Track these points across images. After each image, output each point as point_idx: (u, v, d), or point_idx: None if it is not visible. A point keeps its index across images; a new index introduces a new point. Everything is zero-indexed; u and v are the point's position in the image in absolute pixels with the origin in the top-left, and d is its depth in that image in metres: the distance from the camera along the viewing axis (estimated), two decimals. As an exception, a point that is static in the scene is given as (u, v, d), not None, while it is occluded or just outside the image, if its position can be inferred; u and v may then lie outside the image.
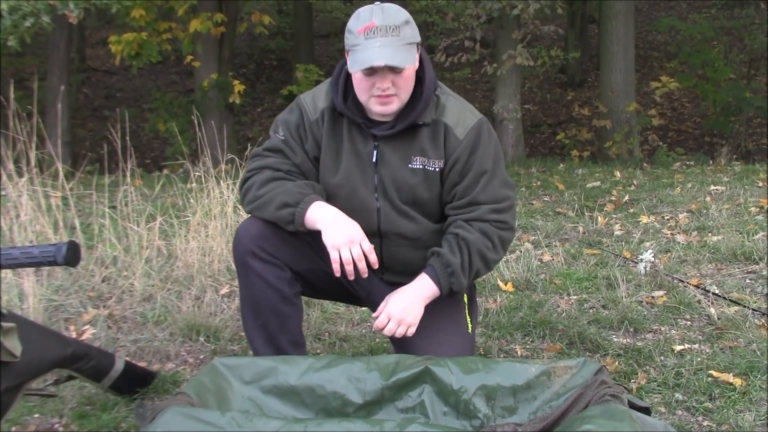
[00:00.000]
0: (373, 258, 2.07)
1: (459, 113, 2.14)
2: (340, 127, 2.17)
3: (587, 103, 12.62)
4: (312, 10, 14.71)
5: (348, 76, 2.11)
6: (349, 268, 2.04)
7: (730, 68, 11.87)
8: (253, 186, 2.16)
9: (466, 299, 2.31)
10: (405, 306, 2.08)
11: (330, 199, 2.15)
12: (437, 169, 2.13)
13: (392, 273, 2.24)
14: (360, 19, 2.02)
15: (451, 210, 2.16)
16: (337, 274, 2.06)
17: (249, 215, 2.21)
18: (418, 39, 2.07)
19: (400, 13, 2.02)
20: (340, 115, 2.16)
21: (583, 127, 11.24)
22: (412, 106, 2.10)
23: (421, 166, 2.13)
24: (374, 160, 2.14)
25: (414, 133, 2.12)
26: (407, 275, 2.16)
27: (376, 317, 2.11)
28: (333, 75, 2.17)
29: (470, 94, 14.85)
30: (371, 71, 2.00)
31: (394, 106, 2.07)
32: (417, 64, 2.09)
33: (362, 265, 2.06)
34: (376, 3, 2.04)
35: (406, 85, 2.06)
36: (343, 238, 2.03)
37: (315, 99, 2.19)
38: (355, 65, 2.01)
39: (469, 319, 2.28)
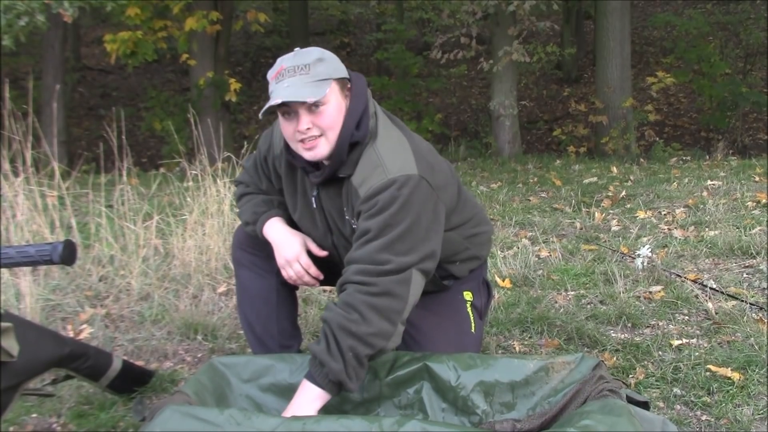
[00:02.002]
0: (314, 271, 2.17)
1: (369, 172, 1.94)
2: (291, 165, 2.14)
3: (583, 99, 12.61)
4: (307, 7, 14.70)
5: None
6: (299, 283, 2.20)
7: (726, 63, 11.90)
8: (234, 199, 2.36)
9: (470, 296, 2.29)
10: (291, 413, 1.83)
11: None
12: (356, 226, 2.00)
13: None
14: (274, 66, 1.95)
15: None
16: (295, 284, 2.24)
17: None
18: (339, 75, 1.93)
19: (312, 53, 1.93)
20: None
21: (580, 123, 11.24)
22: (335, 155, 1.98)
23: (349, 218, 2.05)
24: (314, 206, 2.13)
25: (341, 184, 2.02)
26: None
27: None
28: None
29: (466, 91, 14.87)
30: (284, 114, 1.93)
31: (322, 149, 1.94)
32: (341, 99, 1.95)
33: (307, 280, 2.18)
34: (297, 48, 1.98)
35: (329, 122, 1.92)
36: (282, 260, 2.16)
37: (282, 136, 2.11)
38: (262, 110, 1.92)
39: (472, 318, 2.27)
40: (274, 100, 1.86)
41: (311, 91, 1.87)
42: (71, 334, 3.00)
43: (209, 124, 5.62)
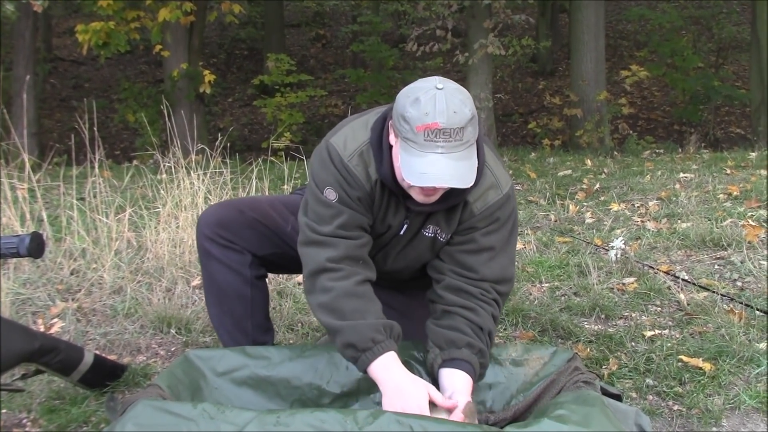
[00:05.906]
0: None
1: (484, 190, 1.95)
2: (383, 195, 1.99)
3: (558, 92, 12.70)
4: (283, -1, 14.61)
5: (389, 146, 1.89)
6: None
7: (699, 57, 12.03)
8: (333, 292, 1.90)
9: None
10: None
11: None
12: (444, 239, 2.01)
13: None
14: (420, 110, 1.72)
15: (451, 273, 1.98)
16: None
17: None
18: (478, 128, 1.82)
19: (465, 108, 1.74)
20: (382, 185, 1.96)
21: (555, 116, 11.32)
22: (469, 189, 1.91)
23: (432, 234, 2.01)
24: (402, 232, 2.03)
25: None
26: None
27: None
28: (372, 140, 1.93)
29: (442, 84, 14.86)
30: None
31: (438, 195, 1.87)
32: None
33: None
34: (439, 85, 1.75)
35: None
36: (399, 410, 1.76)
37: (366, 166, 1.94)
38: (412, 176, 1.74)
39: None
40: (439, 182, 1.72)
41: (467, 169, 1.76)
42: (42, 329, 2.96)
43: (183, 116, 5.58)
